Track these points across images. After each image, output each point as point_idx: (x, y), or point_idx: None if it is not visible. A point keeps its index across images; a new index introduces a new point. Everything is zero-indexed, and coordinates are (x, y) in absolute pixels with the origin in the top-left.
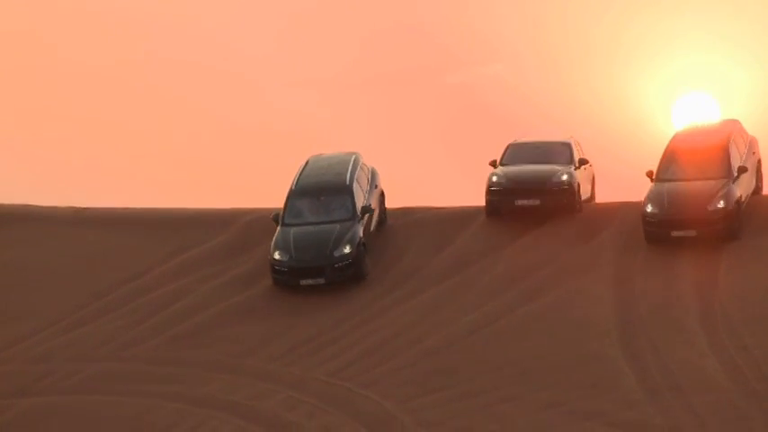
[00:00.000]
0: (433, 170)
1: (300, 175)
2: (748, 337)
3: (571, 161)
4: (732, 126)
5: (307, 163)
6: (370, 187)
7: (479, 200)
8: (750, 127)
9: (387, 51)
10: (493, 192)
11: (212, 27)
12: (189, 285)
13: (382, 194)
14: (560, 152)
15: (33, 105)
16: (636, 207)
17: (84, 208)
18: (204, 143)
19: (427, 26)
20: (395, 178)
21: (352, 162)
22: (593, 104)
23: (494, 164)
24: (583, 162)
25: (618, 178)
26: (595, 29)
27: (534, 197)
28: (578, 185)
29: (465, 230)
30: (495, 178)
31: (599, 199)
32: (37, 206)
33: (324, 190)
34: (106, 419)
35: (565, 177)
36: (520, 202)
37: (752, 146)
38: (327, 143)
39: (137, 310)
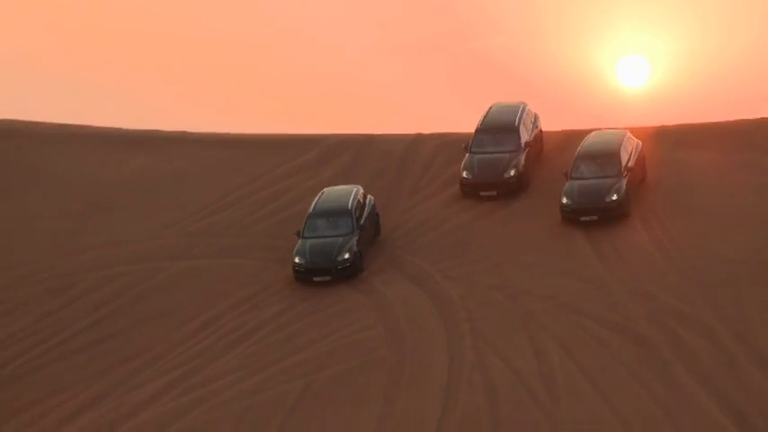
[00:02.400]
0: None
1: (317, 202)
2: (669, 222)
3: (522, 146)
4: (623, 134)
5: (322, 193)
6: (369, 210)
7: None
8: (674, 85)
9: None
10: (462, 184)
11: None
12: (290, 185)
13: (375, 211)
14: (512, 133)
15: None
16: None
17: (190, 132)
18: (282, 80)
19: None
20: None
21: (353, 192)
22: (561, 67)
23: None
24: (527, 145)
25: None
26: (566, 9)
27: (490, 189)
28: (523, 171)
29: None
30: (464, 173)
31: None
32: (164, 131)
33: (334, 212)
34: (235, 276)
35: (513, 172)
36: (483, 193)
37: (637, 149)
38: (377, 96)
39: (254, 203)
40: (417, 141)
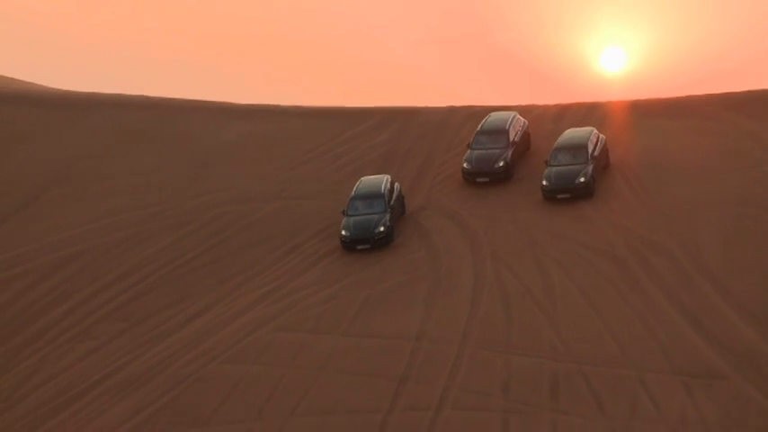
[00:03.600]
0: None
1: (356, 188)
2: (641, 173)
3: (508, 144)
4: (590, 131)
5: (360, 182)
6: (397, 193)
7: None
8: (643, 71)
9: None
10: (463, 172)
11: None
12: (353, 146)
13: (401, 194)
14: (502, 135)
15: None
16: None
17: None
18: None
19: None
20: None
21: (384, 180)
22: (558, 55)
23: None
24: (513, 143)
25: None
26: (561, 11)
27: (485, 176)
28: (510, 163)
29: None
30: (465, 164)
31: None
32: (259, 104)
33: (370, 195)
34: (314, 213)
35: (501, 164)
36: (479, 180)
37: (601, 142)
38: (419, 77)
39: (327, 159)
40: (451, 112)
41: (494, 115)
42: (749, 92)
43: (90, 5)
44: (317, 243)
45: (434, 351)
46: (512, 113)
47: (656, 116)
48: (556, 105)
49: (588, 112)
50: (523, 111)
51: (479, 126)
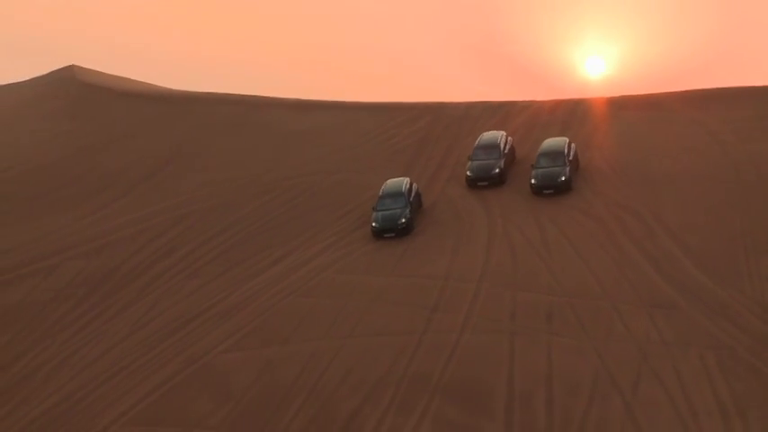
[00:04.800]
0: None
1: (383, 189)
2: (617, 152)
3: (500, 156)
4: (565, 140)
5: (386, 184)
6: (415, 192)
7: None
8: (619, 76)
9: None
10: (467, 178)
11: None
12: (395, 134)
13: (419, 192)
14: (495, 149)
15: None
16: None
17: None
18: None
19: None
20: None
21: (405, 181)
22: (552, 62)
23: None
24: (504, 155)
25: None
26: (554, 27)
27: (484, 181)
28: (504, 170)
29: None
30: (468, 172)
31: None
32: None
33: (394, 194)
34: (365, 184)
35: (497, 171)
36: (480, 184)
37: (574, 149)
38: (445, 79)
39: (376, 143)
40: (469, 107)
41: (486, 134)
42: (701, 90)
43: (189, 19)
44: (368, 207)
45: (458, 288)
46: (501, 132)
47: (629, 109)
48: (551, 101)
49: (575, 106)
50: (524, 105)
51: (476, 143)
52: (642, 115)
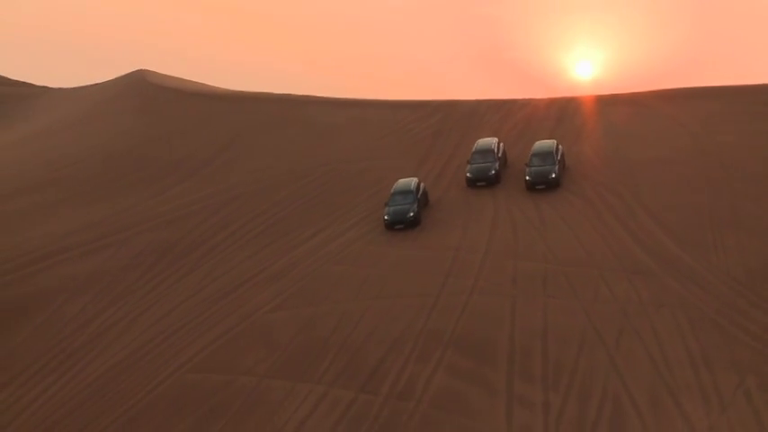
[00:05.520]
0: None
1: (394, 187)
2: (602, 141)
3: (495, 159)
4: (554, 142)
5: (397, 183)
6: (422, 190)
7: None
8: (605, 78)
9: None
10: (467, 179)
11: None
12: (414, 127)
13: (426, 191)
14: (490, 153)
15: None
16: None
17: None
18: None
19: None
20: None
21: (414, 181)
22: (549, 66)
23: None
24: (498, 158)
25: (551, 90)
26: (549, 36)
27: (482, 181)
28: (498, 172)
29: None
30: (468, 174)
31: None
32: (348, 98)
33: (403, 192)
34: (390, 170)
35: (493, 172)
36: (478, 184)
37: (561, 150)
38: (455, 80)
39: (397, 134)
40: (478, 104)
41: (482, 140)
42: (675, 89)
43: (240, 29)
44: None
45: (467, 258)
46: (494, 139)
47: (614, 105)
48: (547, 98)
49: (567, 103)
50: (524, 103)
51: (474, 148)
52: (625, 111)
